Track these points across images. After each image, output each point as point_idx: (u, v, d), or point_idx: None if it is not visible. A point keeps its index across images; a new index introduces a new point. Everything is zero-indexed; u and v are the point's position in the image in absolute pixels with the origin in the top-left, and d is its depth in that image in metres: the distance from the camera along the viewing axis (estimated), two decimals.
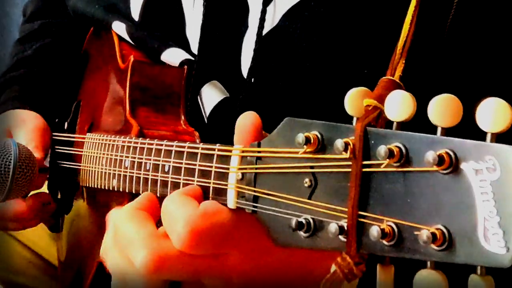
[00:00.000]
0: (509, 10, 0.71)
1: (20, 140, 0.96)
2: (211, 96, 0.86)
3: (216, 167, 0.60)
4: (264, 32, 0.81)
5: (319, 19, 0.77)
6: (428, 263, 0.46)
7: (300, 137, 0.51)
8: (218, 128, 0.85)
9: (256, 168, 0.56)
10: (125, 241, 0.59)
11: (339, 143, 0.49)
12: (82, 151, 0.93)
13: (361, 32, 0.75)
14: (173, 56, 0.89)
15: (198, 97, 0.87)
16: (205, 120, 0.87)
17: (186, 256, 0.56)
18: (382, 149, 0.46)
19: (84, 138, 0.93)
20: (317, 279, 0.57)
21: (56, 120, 1.06)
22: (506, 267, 0.41)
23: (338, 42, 0.76)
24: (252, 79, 0.81)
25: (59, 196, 1.06)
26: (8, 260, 1.14)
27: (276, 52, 0.80)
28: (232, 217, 0.58)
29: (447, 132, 0.46)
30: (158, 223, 0.60)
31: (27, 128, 0.99)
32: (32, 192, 0.97)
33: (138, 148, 0.74)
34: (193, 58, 0.88)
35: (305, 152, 0.51)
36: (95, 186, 0.86)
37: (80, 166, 0.93)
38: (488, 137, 0.43)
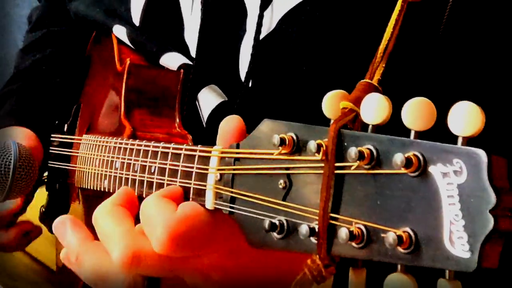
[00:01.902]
0: (488, 18, 0.71)
1: None
2: (209, 100, 0.86)
3: (197, 168, 0.61)
4: (261, 36, 0.81)
5: (315, 23, 0.77)
6: (399, 266, 0.45)
7: (276, 138, 0.51)
8: (216, 132, 0.85)
9: (234, 169, 0.56)
10: (103, 236, 0.60)
11: (312, 144, 0.48)
12: (78, 153, 0.93)
13: (357, 36, 0.75)
14: (171, 60, 0.90)
15: (196, 101, 0.88)
16: (203, 124, 0.87)
17: (163, 255, 0.57)
18: (352, 151, 0.46)
19: (80, 139, 0.93)
20: (292, 280, 0.57)
21: (56, 122, 1.06)
22: (470, 271, 0.41)
23: (334, 46, 0.76)
24: (250, 83, 0.82)
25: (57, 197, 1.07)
26: (7, 265, 1.14)
27: (273, 56, 0.80)
28: (210, 218, 0.58)
29: (420, 135, 0.46)
30: (137, 219, 0.60)
31: None
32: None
33: (128, 149, 0.74)
34: (191, 63, 0.88)
35: (280, 154, 0.51)
36: (89, 187, 0.87)
37: (75, 167, 0.94)
38: (460, 141, 0.43)
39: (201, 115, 0.87)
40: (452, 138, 0.44)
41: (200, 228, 0.57)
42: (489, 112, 0.45)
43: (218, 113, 0.85)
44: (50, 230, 1.08)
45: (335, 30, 0.76)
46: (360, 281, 0.49)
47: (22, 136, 1.02)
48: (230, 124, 0.59)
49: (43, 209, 1.09)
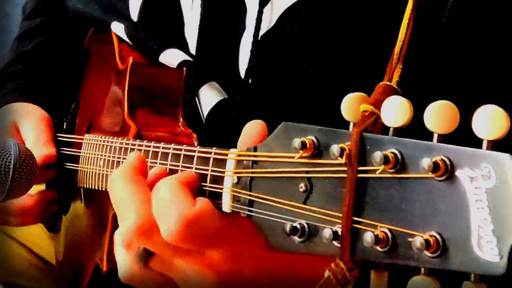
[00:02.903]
0: (505, 14, 0.71)
1: (28, 133, 0.97)
2: (209, 97, 0.86)
3: (212, 171, 0.60)
4: (261, 33, 0.81)
5: (315, 19, 0.77)
6: (422, 269, 0.46)
7: (296, 142, 0.51)
8: (216, 129, 0.85)
9: (252, 172, 0.55)
10: (120, 201, 0.61)
11: (335, 148, 0.49)
12: (80, 152, 0.93)
13: (358, 32, 0.75)
14: (171, 57, 0.89)
15: (196, 98, 0.87)
16: (203, 121, 0.87)
17: None
18: (377, 155, 0.46)
19: (82, 139, 0.93)
20: (303, 285, 0.58)
21: (55, 120, 1.06)
22: (499, 275, 0.41)
23: (334, 43, 0.76)
24: (250, 80, 0.81)
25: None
26: (7, 261, 1.14)
27: (273, 53, 0.80)
28: (224, 220, 0.59)
29: (443, 138, 0.46)
30: None
31: (33, 121, 0.99)
32: (39, 188, 0.97)
33: (135, 150, 0.73)
34: (191, 59, 0.88)
35: (301, 157, 0.51)
36: (93, 187, 0.86)
37: (78, 167, 0.93)
38: (484, 144, 0.43)
39: (200, 113, 0.87)
40: (473, 140, 0.44)
41: (213, 227, 0.58)
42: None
43: (218, 111, 0.85)
44: (49, 229, 1.08)
45: (335, 27, 0.76)
46: (382, 284, 0.49)
47: (34, 109, 1.01)
48: (254, 128, 0.59)
49: None
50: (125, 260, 0.64)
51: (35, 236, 1.12)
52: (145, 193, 0.61)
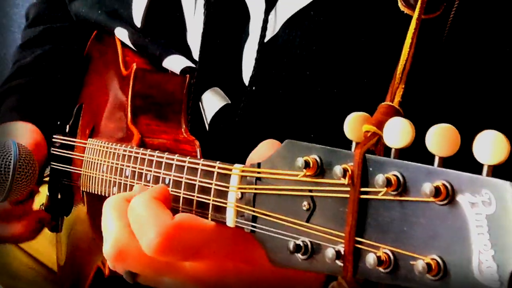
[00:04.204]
0: (506, 30, 0.72)
1: None
2: (212, 102, 0.87)
3: (216, 184, 0.61)
4: (265, 40, 0.81)
5: (319, 28, 0.78)
6: None
7: (300, 161, 0.52)
8: (219, 135, 0.86)
9: (256, 189, 0.56)
10: (138, 223, 0.61)
11: (337, 169, 0.49)
12: (83, 156, 0.93)
13: (361, 41, 0.76)
14: (174, 63, 0.90)
15: (200, 104, 0.88)
16: (206, 127, 0.87)
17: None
18: (380, 178, 0.47)
19: (85, 143, 0.93)
20: None
21: (58, 122, 1.06)
22: None
23: (338, 51, 0.77)
24: (254, 87, 0.82)
25: (59, 197, 1.07)
26: (8, 266, 1.14)
27: (276, 60, 0.81)
28: (208, 232, 0.60)
29: (444, 161, 0.47)
30: None
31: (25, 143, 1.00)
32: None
33: (139, 158, 0.74)
34: (194, 65, 0.89)
35: (304, 176, 0.52)
36: (96, 192, 0.87)
37: (80, 170, 0.94)
38: (485, 169, 0.44)
39: (204, 118, 0.88)
40: (474, 163, 0.45)
41: (193, 238, 0.59)
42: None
43: (221, 116, 0.86)
44: (51, 229, 1.08)
45: (338, 35, 0.77)
46: None
47: (25, 131, 1.01)
48: (269, 148, 0.60)
49: (43, 208, 1.09)
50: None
51: (35, 241, 1.13)
52: (125, 218, 0.62)
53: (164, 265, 0.61)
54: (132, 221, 0.61)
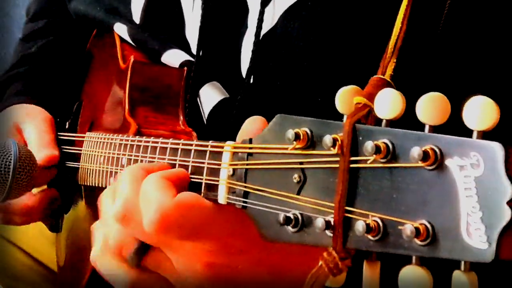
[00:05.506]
0: (500, 10, 0.72)
1: (30, 135, 0.98)
2: (210, 96, 0.87)
3: (208, 163, 0.61)
4: (263, 32, 0.81)
5: (316, 18, 0.78)
6: (413, 259, 0.46)
7: (290, 133, 0.52)
8: (217, 129, 0.86)
9: (247, 164, 0.56)
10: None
11: (327, 139, 0.49)
12: (81, 150, 0.94)
13: (358, 31, 0.76)
14: (173, 57, 0.90)
15: (198, 98, 0.88)
16: (204, 120, 0.87)
17: None
18: (369, 145, 0.47)
19: (83, 137, 0.94)
20: (297, 278, 0.58)
21: (58, 119, 1.07)
22: (487, 262, 0.42)
23: (335, 42, 0.77)
24: (251, 80, 0.82)
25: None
26: (8, 267, 1.14)
27: (274, 52, 0.81)
28: (212, 213, 0.59)
29: (435, 130, 0.46)
30: None
31: (35, 122, 1.00)
32: (40, 188, 0.98)
33: (134, 146, 0.74)
34: (193, 59, 0.89)
35: (294, 148, 0.52)
36: (93, 184, 0.87)
37: (79, 165, 0.94)
38: (475, 135, 0.44)
39: (202, 112, 0.88)
40: (464, 131, 0.45)
41: (192, 219, 0.59)
42: (503, 104, 0.45)
43: (219, 110, 0.86)
44: (51, 229, 1.08)
45: (336, 26, 0.77)
46: (374, 274, 0.49)
47: (37, 111, 1.03)
48: (254, 123, 0.60)
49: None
50: (119, 269, 0.65)
51: (35, 241, 1.13)
52: (138, 184, 0.62)
53: (170, 243, 0.61)
54: (140, 196, 0.61)
